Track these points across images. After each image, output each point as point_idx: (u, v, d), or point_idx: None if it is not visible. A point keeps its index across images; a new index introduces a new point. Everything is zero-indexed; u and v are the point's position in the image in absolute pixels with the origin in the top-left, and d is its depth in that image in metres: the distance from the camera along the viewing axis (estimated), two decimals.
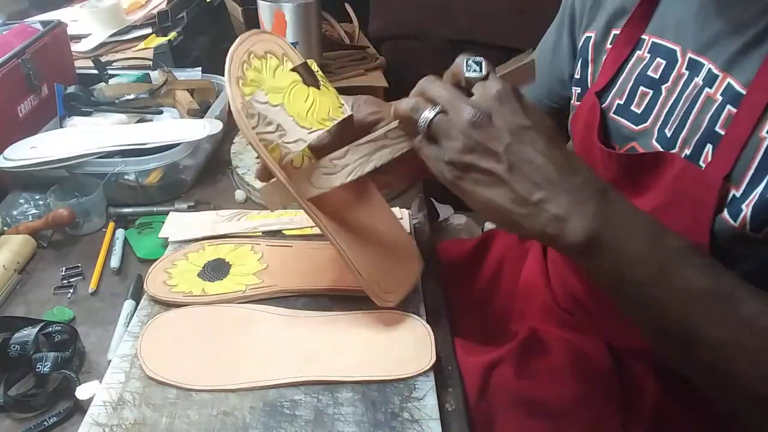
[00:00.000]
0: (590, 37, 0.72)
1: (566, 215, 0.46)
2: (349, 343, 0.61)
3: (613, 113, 0.67)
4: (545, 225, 0.46)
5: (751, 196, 0.52)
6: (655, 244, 0.47)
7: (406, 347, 0.60)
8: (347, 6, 1.54)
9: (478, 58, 0.51)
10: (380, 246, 0.67)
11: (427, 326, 0.62)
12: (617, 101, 0.67)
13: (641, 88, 0.65)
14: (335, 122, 0.58)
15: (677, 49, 0.62)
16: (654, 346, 0.52)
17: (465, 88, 0.51)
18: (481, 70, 0.50)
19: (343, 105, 0.60)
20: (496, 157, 0.47)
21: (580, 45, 0.74)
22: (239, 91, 0.57)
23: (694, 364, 0.50)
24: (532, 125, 0.47)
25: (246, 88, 0.58)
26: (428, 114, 0.50)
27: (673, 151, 0.60)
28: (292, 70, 0.57)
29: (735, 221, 0.53)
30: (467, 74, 0.50)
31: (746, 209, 0.53)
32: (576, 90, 0.75)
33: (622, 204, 0.48)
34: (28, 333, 0.60)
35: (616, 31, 0.68)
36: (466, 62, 0.51)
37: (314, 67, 0.59)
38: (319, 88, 0.58)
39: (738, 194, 0.53)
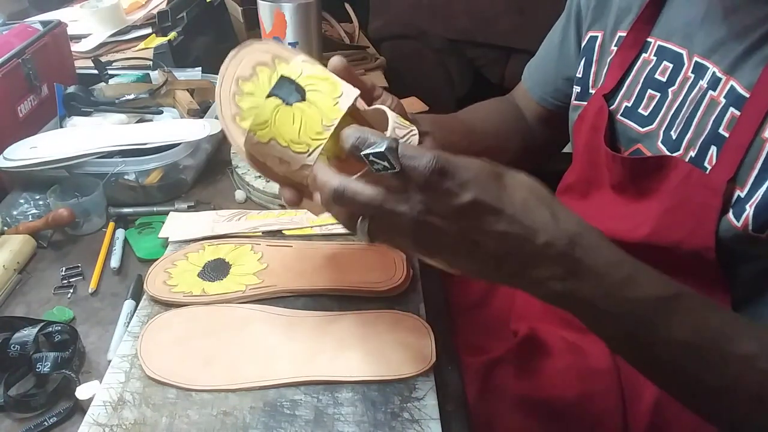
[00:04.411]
0: (596, 37, 0.72)
1: (538, 281, 0.45)
2: (349, 343, 0.61)
3: (621, 115, 0.67)
4: (520, 286, 0.46)
5: (754, 197, 0.53)
6: (631, 298, 0.45)
7: (406, 347, 0.60)
8: (347, 6, 1.55)
9: (377, 149, 0.41)
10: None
11: (427, 326, 0.62)
12: (625, 103, 0.67)
13: (649, 90, 0.65)
14: (331, 127, 0.52)
15: (684, 53, 0.62)
16: (663, 389, 0.51)
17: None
18: (391, 165, 0.42)
19: (338, 98, 0.53)
20: (452, 248, 0.44)
21: (584, 44, 0.74)
22: (238, 129, 0.52)
23: (707, 411, 0.49)
24: (473, 197, 0.42)
25: (244, 122, 0.53)
26: (362, 226, 0.46)
27: (678, 152, 0.60)
28: (269, 95, 0.51)
29: (738, 222, 0.54)
30: (381, 173, 0.43)
31: (749, 209, 0.53)
32: (576, 89, 0.75)
33: (592, 254, 0.44)
34: (28, 333, 0.60)
35: (621, 33, 0.69)
36: (369, 161, 0.43)
37: (296, 70, 0.53)
38: (305, 98, 0.52)
39: (742, 195, 0.54)
